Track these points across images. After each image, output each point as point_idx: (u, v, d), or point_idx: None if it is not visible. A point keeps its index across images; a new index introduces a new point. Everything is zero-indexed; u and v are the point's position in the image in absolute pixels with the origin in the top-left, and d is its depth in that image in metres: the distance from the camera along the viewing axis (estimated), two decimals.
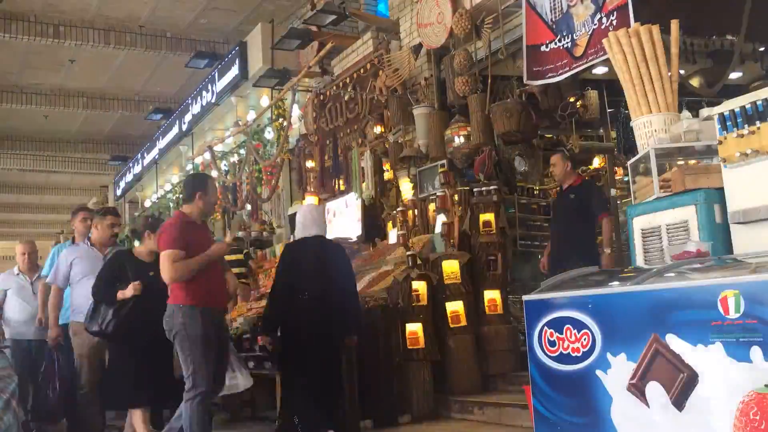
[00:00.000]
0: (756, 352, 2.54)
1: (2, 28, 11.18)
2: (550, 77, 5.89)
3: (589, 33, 5.51)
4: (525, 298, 3.48)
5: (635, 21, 4.71)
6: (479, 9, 6.73)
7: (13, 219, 24.58)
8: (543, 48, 5.95)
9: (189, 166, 13.42)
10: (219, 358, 4.57)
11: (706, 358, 2.69)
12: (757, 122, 3.54)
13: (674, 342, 2.80)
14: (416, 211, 7.51)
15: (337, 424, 4.88)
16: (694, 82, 7.70)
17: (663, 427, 2.84)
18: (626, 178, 7.28)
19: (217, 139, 11.42)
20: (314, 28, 9.34)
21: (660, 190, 4.13)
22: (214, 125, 12.78)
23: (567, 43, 5.73)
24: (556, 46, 5.85)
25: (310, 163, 9.59)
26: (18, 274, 6.88)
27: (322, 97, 9.25)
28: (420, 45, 7.44)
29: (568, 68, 5.73)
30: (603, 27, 5.38)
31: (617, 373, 3.02)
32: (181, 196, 13.56)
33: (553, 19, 5.90)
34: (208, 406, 4.49)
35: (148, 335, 4.64)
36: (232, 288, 5.04)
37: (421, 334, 5.97)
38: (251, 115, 10.75)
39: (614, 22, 5.25)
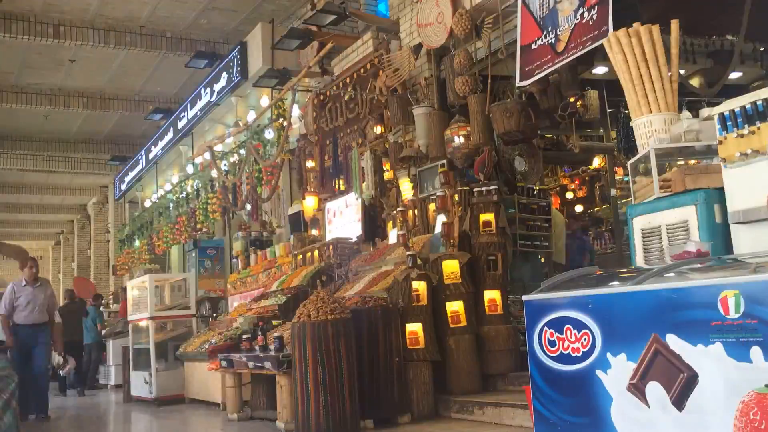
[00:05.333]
0: (756, 352, 2.54)
1: (2, 28, 11.18)
2: (536, 74, 5.86)
3: (571, 28, 5.47)
4: (525, 298, 3.48)
5: (637, 21, 4.69)
6: (479, 9, 6.72)
7: (13, 219, 24.57)
8: (533, 46, 5.94)
9: (189, 166, 13.42)
10: None
11: (706, 358, 2.69)
12: (757, 122, 3.54)
13: (674, 342, 2.80)
14: (416, 211, 7.51)
15: None
16: (694, 82, 7.71)
17: (663, 427, 2.84)
18: (626, 178, 7.29)
19: (217, 139, 11.42)
20: (314, 28, 9.34)
21: (660, 190, 4.14)
22: (214, 125, 12.78)
23: (551, 38, 5.70)
24: (542, 43, 5.82)
25: (310, 163, 9.59)
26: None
27: (322, 97, 9.25)
28: (420, 45, 7.44)
29: (551, 64, 5.68)
30: (584, 21, 5.33)
31: (617, 373, 3.02)
32: (182, 195, 13.57)
33: (541, 16, 5.86)
34: None
35: None
36: None
37: (421, 334, 5.97)
38: (251, 115, 10.75)
39: (594, 17, 5.22)
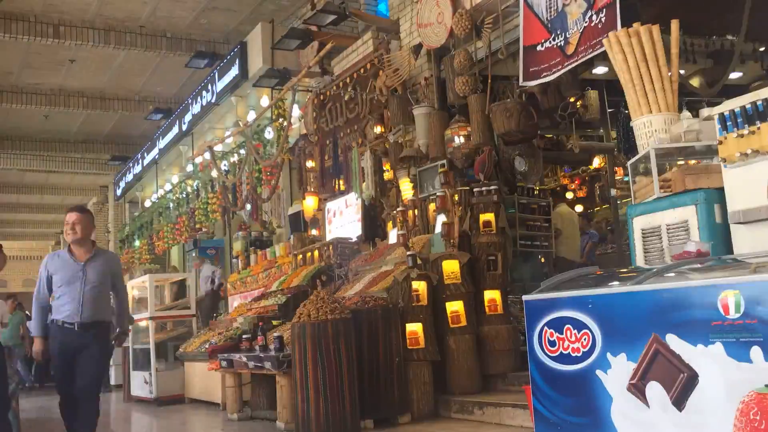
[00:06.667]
0: (756, 352, 2.54)
1: (2, 28, 11.17)
2: (544, 76, 5.86)
3: (581, 30, 5.48)
4: (525, 298, 3.48)
5: (637, 21, 4.70)
6: (479, 9, 6.72)
7: (13, 219, 24.58)
8: (539, 47, 5.94)
9: (189, 166, 13.42)
10: None
11: (706, 358, 2.69)
12: (757, 122, 3.54)
13: (674, 342, 2.80)
14: (416, 211, 7.51)
15: None
16: (694, 82, 7.71)
17: (663, 427, 2.84)
18: (626, 178, 7.29)
19: (217, 139, 11.42)
20: (314, 28, 9.34)
21: (660, 190, 4.14)
22: (214, 125, 12.78)
23: (560, 41, 5.71)
24: (550, 45, 5.82)
25: (310, 163, 9.59)
26: None
27: (322, 97, 9.24)
28: (420, 45, 7.44)
29: (560, 66, 5.68)
30: (593, 24, 5.34)
31: (617, 373, 3.02)
32: (182, 195, 13.59)
33: (549, 18, 5.86)
34: None
35: None
36: None
37: (421, 334, 5.97)
38: (251, 115, 10.75)
39: (603, 20, 5.23)
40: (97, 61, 13.06)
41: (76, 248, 4.94)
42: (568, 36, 5.62)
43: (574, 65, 5.58)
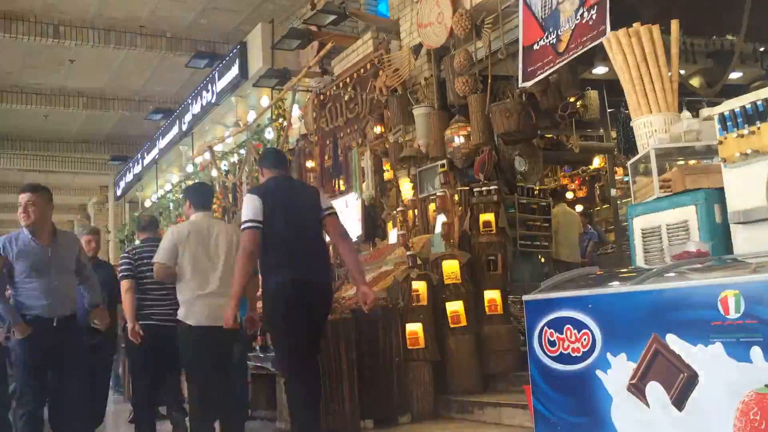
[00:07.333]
0: (756, 352, 2.54)
1: (2, 28, 11.17)
2: (538, 75, 5.87)
3: (572, 28, 5.47)
4: (525, 298, 3.48)
5: (637, 21, 4.70)
6: (479, 9, 6.72)
7: (13, 219, 24.53)
8: (535, 47, 5.94)
9: (189, 166, 13.42)
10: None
11: (706, 358, 2.69)
12: (757, 122, 3.54)
13: (674, 342, 2.80)
14: (416, 211, 7.51)
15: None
16: (694, 82, 7.70)
17: (663, 427, 2.84)
18: (626, 178, 7.29)
19: (217, 139, 11.42)
20: (314, 28, 9.34)
21: (660, 190, 4.14)
22: (214, 125, 12.78)
23: (552, 39, 5.71)
24: (544, 43, 5.82)
25: (310, 163, 9.59)
26: None
27: (322, 97, 9.24)
28: (420, 45, 7.44)
29: (552, 64, 5.68)
30: (584, 21, 5.33)
31: (617, 373, 3.01)
32: (181, 195, 13.58)
33: (543, 17, 5.86)
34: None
35: None
36: None
37: (421, 334, 5.97)
38: (251, 115, 10.74)
39: (594, 16, 5.23)
40: (97, 61, 13.07)
41: (35, 232, 4.42)
42: (560, 33, 5.61)
43: (564, 63, 5.57)
